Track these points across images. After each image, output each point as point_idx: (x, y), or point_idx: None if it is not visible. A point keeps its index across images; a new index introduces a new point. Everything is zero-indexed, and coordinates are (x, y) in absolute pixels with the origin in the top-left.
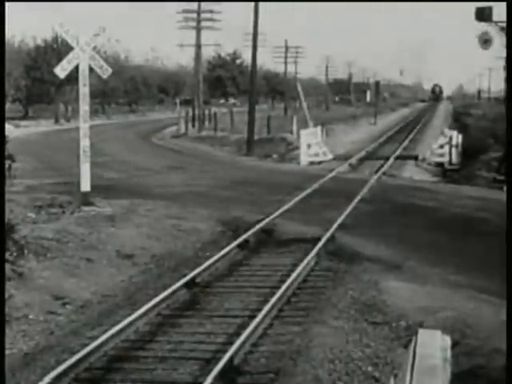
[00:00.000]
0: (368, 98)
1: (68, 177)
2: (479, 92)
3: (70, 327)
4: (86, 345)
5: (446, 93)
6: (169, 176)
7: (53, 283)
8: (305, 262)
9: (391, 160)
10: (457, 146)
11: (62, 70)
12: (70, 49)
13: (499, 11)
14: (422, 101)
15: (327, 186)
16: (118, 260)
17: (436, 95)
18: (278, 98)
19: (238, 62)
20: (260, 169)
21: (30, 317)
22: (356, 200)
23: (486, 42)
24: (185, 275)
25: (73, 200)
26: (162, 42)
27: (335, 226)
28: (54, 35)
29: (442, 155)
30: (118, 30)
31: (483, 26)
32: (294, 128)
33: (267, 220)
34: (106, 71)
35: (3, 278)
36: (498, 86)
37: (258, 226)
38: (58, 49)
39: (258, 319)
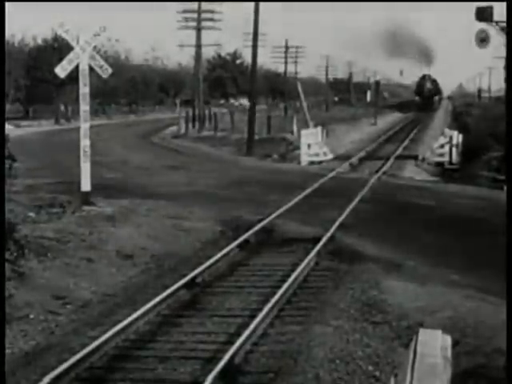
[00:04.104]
0: (368, 98)
1: (68, 176)
2: (479, 91)
3: (70, 327)
4: (87, 344)
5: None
6: (169, 176)
7: (53, 283)
8: (305, 261)
9: (391, 160)
10: (457, 146)
11: (62, 70)
12: (70, 48)
13: (499, 11)
14: (400, 107)
15: (327, 186)
16: (118, 260)
17: (427, 96)
18: (279, 98)
19: (238, 61)
20: (260, 169)
21: (31, 316)
22: (356, 200)
23: (482, 40)
24: (185, 275)
25: (73, 200)
26: (162, 42)
27: (335, 225)
28: (54, 35)
29: (442, 155)
30: (118, 30)
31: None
32: (295, 128)
33: (267, 220)
34: (106, 71)
35: (3, 277)
36: (497, 85)
37: (258, 226)
38: (58, 48)
39: (258, 319)
